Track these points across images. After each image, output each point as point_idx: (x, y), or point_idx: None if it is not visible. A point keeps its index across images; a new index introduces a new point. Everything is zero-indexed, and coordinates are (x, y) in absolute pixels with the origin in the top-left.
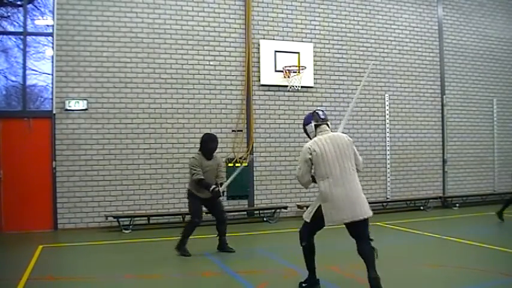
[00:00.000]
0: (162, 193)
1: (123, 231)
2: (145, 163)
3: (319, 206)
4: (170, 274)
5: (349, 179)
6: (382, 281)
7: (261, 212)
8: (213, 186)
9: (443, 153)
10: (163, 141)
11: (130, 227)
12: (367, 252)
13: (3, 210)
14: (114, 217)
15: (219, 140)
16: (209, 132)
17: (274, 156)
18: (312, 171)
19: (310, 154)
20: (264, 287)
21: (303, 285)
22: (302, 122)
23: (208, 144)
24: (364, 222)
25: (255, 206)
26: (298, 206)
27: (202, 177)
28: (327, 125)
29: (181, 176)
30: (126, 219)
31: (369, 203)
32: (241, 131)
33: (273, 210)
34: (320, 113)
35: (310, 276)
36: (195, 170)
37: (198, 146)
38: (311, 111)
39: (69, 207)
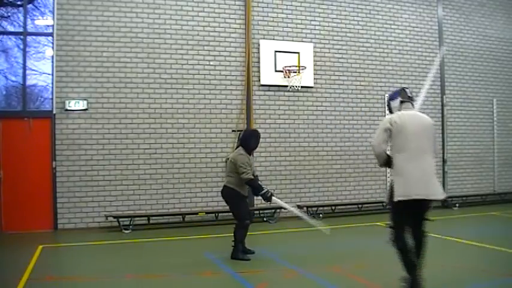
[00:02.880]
0: (162, 193)
1: (123, 231)
2: (145, 163)
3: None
4: (170, 274)
5: (424, 158)
6: (381, 281)
7: (261, 212)
8: (265, 191)
9: (443, 153)
10: (164, 141)
11: (131, 227)
12: (418, 239)
13: (3, 210)
14: (114, 217)
15: (219, 140)
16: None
17: (274, 156)
18: (388, 145)
19: (391, 124)
20: (264, 287)
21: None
22: (387, 97)
23: (258, 140)
24: (430, 203)
25: (255, 206)
26: (298, 206)
27: (252, 177)
28: (412, 104)
29: (181, 176)
30: (126, 219)
31: (369, 203)
32: (242, 131)
33: (273, 210)
34: (407, 90)
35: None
36: (245, 169)
37: (240, 143)
38: (399, 88)
39: (69, 207)
